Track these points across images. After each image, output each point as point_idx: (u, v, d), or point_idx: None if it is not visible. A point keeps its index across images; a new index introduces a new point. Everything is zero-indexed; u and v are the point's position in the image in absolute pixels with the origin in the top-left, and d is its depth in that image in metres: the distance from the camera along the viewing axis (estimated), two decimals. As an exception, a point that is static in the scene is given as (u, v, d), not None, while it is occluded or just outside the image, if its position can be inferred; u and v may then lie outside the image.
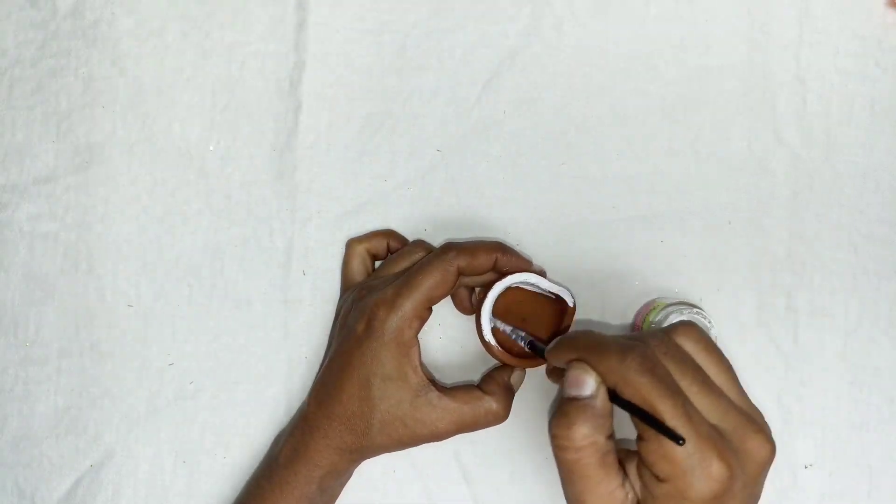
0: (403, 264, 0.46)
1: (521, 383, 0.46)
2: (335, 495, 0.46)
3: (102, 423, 0.49)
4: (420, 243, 0.47)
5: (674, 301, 0.46)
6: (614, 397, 0.32)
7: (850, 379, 0.49)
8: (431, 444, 0.44)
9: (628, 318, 0.49)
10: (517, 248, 0.49)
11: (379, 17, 0.50)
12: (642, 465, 0.32)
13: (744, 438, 0.31)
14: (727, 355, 0.49)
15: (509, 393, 0.45)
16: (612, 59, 0.50)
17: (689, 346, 0.33)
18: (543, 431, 0.49)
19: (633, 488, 0.32)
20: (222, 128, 0.50)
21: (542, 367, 0.46)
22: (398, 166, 0.50)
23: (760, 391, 0.49)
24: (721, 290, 0.49)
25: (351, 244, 0.49)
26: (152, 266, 0.50)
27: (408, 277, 0.42)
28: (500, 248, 0.44)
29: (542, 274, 0.45)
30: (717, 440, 0.30)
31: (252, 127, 0.50)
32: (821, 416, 0.48)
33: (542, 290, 0.45)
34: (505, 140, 0.50)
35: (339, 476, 0.45)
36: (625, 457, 0.33)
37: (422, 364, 0.43)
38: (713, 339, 0.35)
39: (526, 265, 0.45)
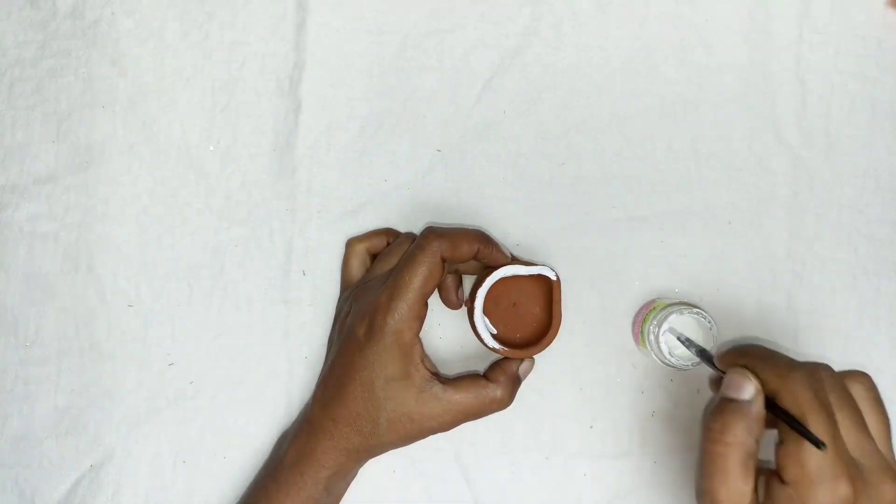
0: (395, 260, 0.46)
1: (529, 372, 0.46)
2: (340, 495, 0.46)
3: (102, 424, 0.49)
4: (409, 237, 0.47)
5: (674, 301, 0.46)
6: (770, 406, 0.34)
7: (850, 379, 0.49)
8: (431, 444, 0.44)
9: (628, 318, 0.49)
10: (517, 249, 0.49)
11: (379, 17, 0.50)
12: (771, 475, 0.33)
13: (880, 479, 0.32)
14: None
15: (516, 382, 0.45)
16: (612, 59, 0.50)
17: (856, 390, 0.35)
18: (544, 432, 0.49)
19: (757, 499, 0.34)
20: (222, 128, 0.50)
21: (546, 366, 0.46)
22: (398, 166, 0.50)
23: (760, 391, 0.49)
24: (721, 290, 0.49)
25: (350, 243, 0.49)
26: (152, 266, 0.50)
27: (397, 278, 0.42)
28: (481, 238, 0.44)
29: (516, 261, 0.46)
30: (853, 467, 0.32)
31: (252, 127, 0.50)
32: (821, 416, 0.48)
33: (523, 274, 0.45)
34: (505, 140, 0.50)
35: (346, 476, 0.45)
36: (758, 472, 0.35)
37: (425, 357, 0.43)
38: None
39: (504, 259, 0.45)
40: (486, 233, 0.45)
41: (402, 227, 0.50)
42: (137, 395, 0.49)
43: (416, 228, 0.50)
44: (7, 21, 0.50)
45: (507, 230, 0.49)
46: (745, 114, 0.49)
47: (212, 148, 0.50)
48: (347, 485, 0.46)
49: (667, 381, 0.49)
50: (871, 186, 0.49)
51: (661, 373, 0.49)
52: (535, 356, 0.46)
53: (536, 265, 0.45)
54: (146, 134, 0.50)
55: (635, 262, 0.49)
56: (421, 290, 0.42)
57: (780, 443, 0.33)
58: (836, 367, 0.48)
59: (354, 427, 0.43)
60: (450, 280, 0.47)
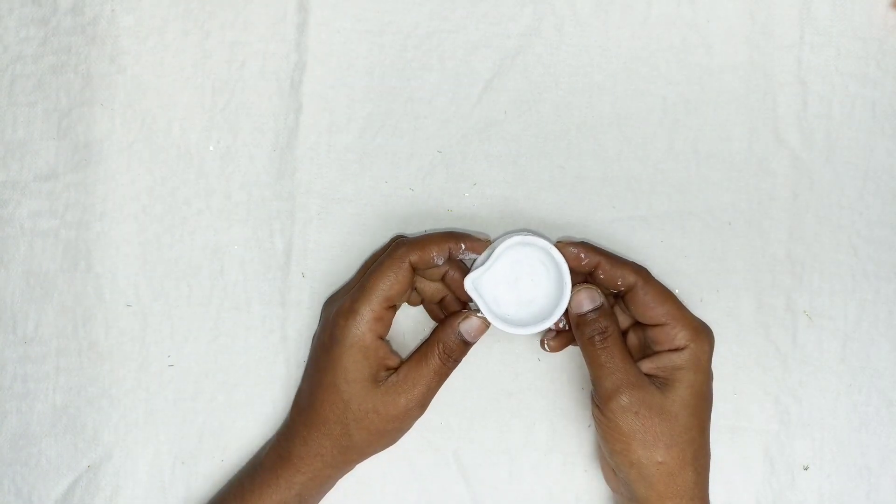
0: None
1: (479, 333, 0.44)
2: None
3: (101, 423, 0.49)
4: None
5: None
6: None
7: (849, 380, 0.49)
8: (430, 443, 0.44)
9: (628, 318, 0.49)
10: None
11: (380, 18, 0.50)
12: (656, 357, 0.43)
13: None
14: (726, 355, 0.49)
15: (444, 344, 0.44)
16: (613, 59, 0.50)
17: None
18: (542, 430, 0.49)
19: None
20: (222, 128, 0.50)
21: (545, 365, 0.46)
22: (399, 167, 0.50)
23: (759, 392, 0.49)
24: (721, 290, 0.49)
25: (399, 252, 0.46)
26: (152, 266, 0.49)
27: (362, 283, 0.43)
28: (451, 237, 0.44)
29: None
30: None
31: (252, 127, 0.50)
32: (819, 417, 0.49)
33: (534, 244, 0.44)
34: (505, 140, 0.50)
35: (321, 484, 0.45)
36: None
37: (390, 357, 0.44)
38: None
39: (480, 246, 0.44)
40: (456, 230, 0.45)
41: (402, 229, 0.50)
42: (136, 395, 0.49)
43: (417, 230, 0.50)
44: (8, 17, 0.50)
45: (507, 230, 0.49)
46: (746, 114, 0.50)
47: (212, 148, 0.50)
48: (322, 495, 0.46)
49: (667, 382, 0.49)
50: (872, 188, 0.49)
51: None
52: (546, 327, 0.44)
53: (514, 234, 0.44)
54: (145, 132, 0.50)
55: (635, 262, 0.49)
56: (385, 295, 0.43)
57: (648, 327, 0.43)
58: (836, 371, 0.49)
59: (323, 431, 0.43)
60: (449, 297, 0.47)
